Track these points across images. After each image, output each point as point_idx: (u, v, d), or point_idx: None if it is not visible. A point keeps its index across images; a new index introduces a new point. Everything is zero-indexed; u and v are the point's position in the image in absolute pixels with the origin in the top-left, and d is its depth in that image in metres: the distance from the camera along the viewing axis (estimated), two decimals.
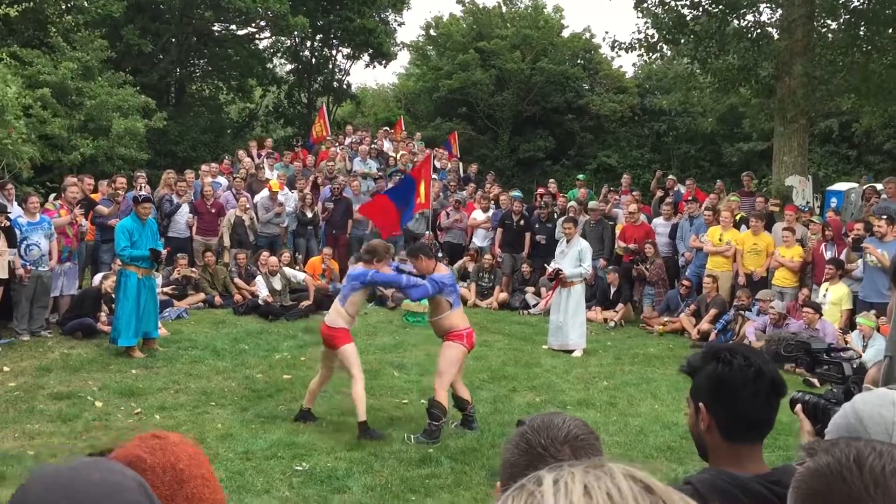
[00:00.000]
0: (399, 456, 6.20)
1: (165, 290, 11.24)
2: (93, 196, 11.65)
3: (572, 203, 13.85)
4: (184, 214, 12.57)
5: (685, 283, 12.14)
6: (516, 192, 14.93)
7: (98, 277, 10.75)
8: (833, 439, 1.29)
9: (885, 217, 9.76)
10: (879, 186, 13.00)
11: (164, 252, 9.43)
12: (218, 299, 11.89)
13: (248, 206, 13.09)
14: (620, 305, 12.48)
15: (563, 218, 11.84)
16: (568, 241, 10.54)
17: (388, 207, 10.74)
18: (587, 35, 29.95)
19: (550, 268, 10.67)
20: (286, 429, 6.83)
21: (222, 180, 14.32)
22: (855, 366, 2.57)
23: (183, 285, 11.73)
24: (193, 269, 12.01)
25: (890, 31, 13.43)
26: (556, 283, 10.52)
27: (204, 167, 14.32)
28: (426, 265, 6.93)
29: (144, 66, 20.10)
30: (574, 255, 10.33)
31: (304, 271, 12.74)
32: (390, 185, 14.76)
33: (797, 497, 1.25)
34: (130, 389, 7.76)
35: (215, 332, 10.42)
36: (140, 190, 11.95)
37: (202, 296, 11.85)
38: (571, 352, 10.20)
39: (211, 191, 13.05)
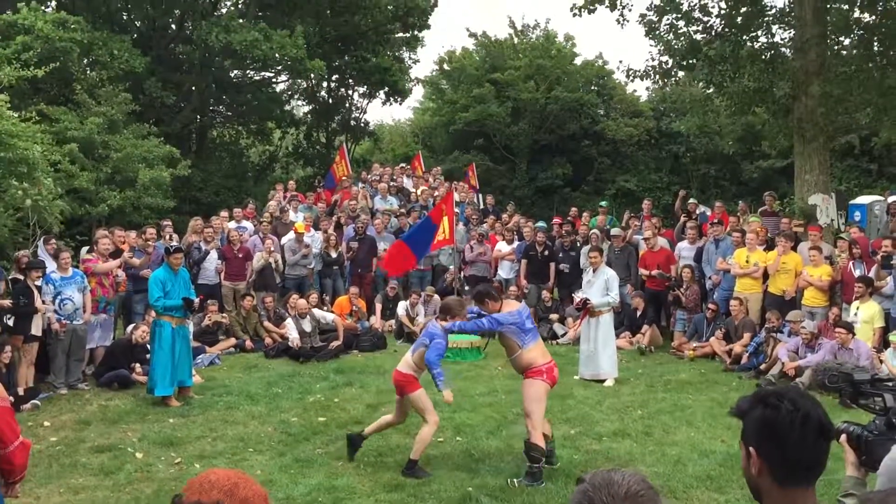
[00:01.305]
0: (438, 496, 6.21)
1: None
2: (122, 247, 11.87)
3: (594, 230, 13.90)
4: (213, 261, 12.75)
5: (711, 306, 12.11)
6: (541, 224, 15.02)
7: (130, 328, 10.94)
8: (884, 494, 1.33)
9: None
10: None
11: (196, 300, 9.57)
12: (249, 343, 12.01)
13: (273, 248, 13.25)
14: (646, 327, 12.46)
15: (588, 247, 11.89)
16: (594, 271, 10.56)
17: (404, 251, 11.00)
18: (600, 62, 30.16)
19: (578, 297, 10.69)
20: (325, 472, 6.86)
21: (248, 224, 14.52)
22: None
23: (214, 331, 11.87)
24: (224, 314, 12.15)
25: None
26: (584, 312, 10.53)
27: (224, 213, 14.52)
28: (492, 308, 6.92)
29: (167, 116, 20.54)
30: (601, 285, 10.34)
31: (333, 311, 12.84)
32: (409, 221, 14.95)
33: None
34: (169, 439, 7.84)
35: (248, 376, 10.52)
36: (170, 240, 12.14)
37: (233, 341, 11.98)
38: (603, 381, 10.18)
39: (237, 235, 13.22)
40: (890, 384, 2.62)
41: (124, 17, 21.62)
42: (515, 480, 6.52)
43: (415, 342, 7.28)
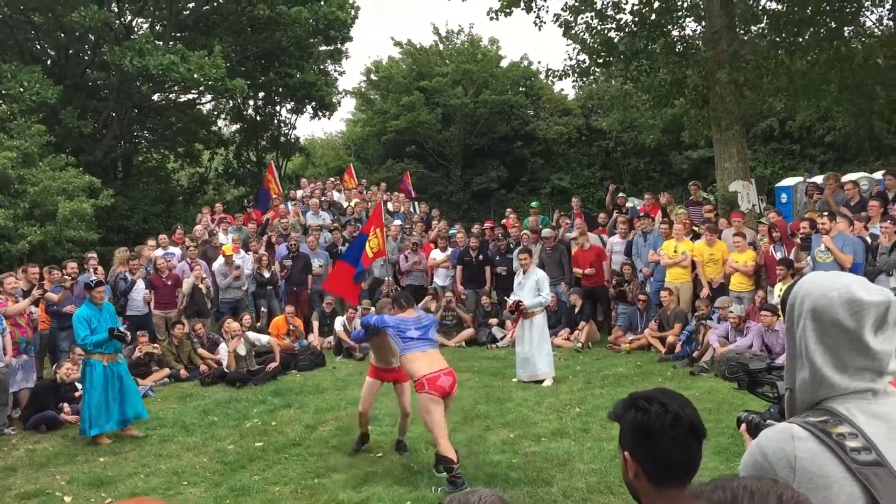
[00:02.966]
0: None
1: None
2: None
3: (525, 232, 14.00)
4: (140, 291, 12.44)
5: (641, 297, 12.32)
6: (454, 230, 15.29)
7: (65, 366, 10.53)
8: (715, 480, 1.35)
9: (826, 213, 10.00)
10: (821, 180, 13.35)
11: (124, 329, 9.26)
12: (183, 372, 11.74)
13: (203, 274, 13.00)
14: (583, 324, 12.59)
15: (517, 249, 11.97)
16: (524, 272, 10.61)
17: (347, 271, 10.90)
18: (525, 63, 30.51)
19: (510, 300, 10.74)
20: (261, 499, 6.72)
21: (175, 250, 14.23)
22: None
23: (146, 363, 11.57)
24: (155, 345, 11.87)
25: (810, 30, 13.88)
26: (518, 315, 10.58)
27: (150, 241, 14.21)
28: (392, 313, 7.20)
29: (87, 145, 20.02)
30: (532, 286, 10.40)
31: (269, 333, 12.66)
32: (345, 234, 14.85)
33: None
34: (99, 479, 7.59)
35: (183, 406, 10.27)
36: (94, 273, 11.80)
37: (167, 371, 11.70)
38: (542, 381, 10.23)
39: (164, 263, 12.94)
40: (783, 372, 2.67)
41: (35, 47, 21.02)
42: (439, 489, 6.52)
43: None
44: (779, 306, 9.93)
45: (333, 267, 12.52)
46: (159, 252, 13.57)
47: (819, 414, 1.73)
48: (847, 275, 1.87)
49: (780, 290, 10.34)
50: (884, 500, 1.58)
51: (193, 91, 23.01)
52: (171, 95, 23.55)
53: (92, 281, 9.24)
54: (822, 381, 1.75)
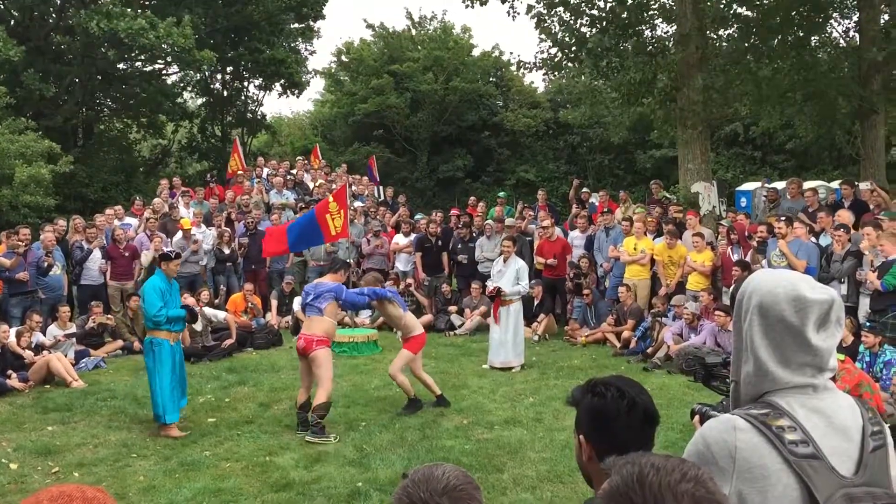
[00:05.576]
0: (327, 493, 6.15)
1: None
2: None
3: (488, 222, 14.05)
4: (96, 260, 12.25)
5: (586, 292, 12.48)
6: (419, 215, 15.35)
7: (12, 332, 10.30)
8: (628, 456, 1.39)
9: (783, 218, 10.20)
10: (782, 186, 13.61)
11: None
12: (137, 345, 11.57)
13: (162, 247, 12.82)
14: (542, 316, 12.70)
15: (502, 237, 12.02)
16: (505, 261, 10.66)
17: (280, 236, 11.06)
18: (496, 53, 30.51)
19: (490, 286, 10.78)
20: (212, 475, 6.69)
21: (133, 221, 14.01)
22: None
23: (99, 333, 11.41)
24: (109, 316, 11.69)
25: (778, 37, 14.11)
26: (497, 301, 10.63)
27: (109, 210, 13.96)
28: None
29: (48, 110, 19.56)
30: (512, 274, 10.47)
31: (226, 309, 12.55)
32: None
33: None
34: (47, 448, 7.49)
35: (136, 379, 10.13)
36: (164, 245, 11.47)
37: (120, 343, 11.55)
38: (511, 368, 10.34)
39: (122, 234, 12.74)
40: None
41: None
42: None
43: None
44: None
45: (274, 229, 12.53)
46: (116, 223, 13.35)
47: (761, 407, 1.78)
48: (794, 273, 1.92)
49: None
50: (819, 491, 1.64)
51: (160, 61, 22.60)
52: (136, 64, 23.10)
53: (171, 252, 8.51)
54: (765, 375, 1.80)
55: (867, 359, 8.04)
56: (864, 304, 9.11)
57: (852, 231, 9.81)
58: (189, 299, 11.05)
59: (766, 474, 1.67)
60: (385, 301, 8.30)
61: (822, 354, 1.80)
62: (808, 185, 13.35)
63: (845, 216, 10.25)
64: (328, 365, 7.73)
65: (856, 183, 12.11)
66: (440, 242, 14.08)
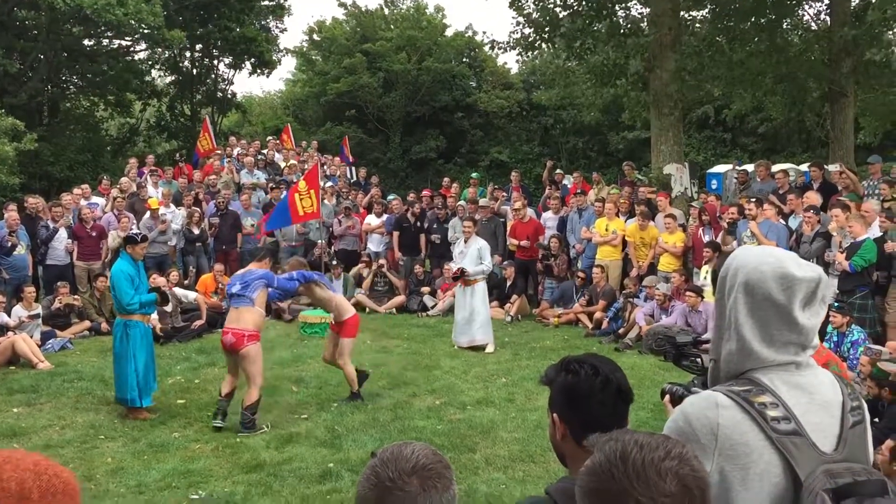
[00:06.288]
0: (298, 473, 6.12)
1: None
2: None
3: (461, 203, 14.00)
4: (62, 240, 12.01)
5: (580, 274, 12.41)
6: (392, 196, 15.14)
7: None
8: (611, 433, 1.38)
9: (753, 200, 10.28)
10: (752, 168, 13.71)
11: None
12: (105, 325, 11.41)
13: (130, 227, 12.62)
14: (515, 297, 12.71)
15: (464, 217, 11.97)
16: (465, 241, 10.65)
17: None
18: (469, 33, 30.36)
19: (453, 267, 10.76)
20: (181, 456, 6.63)
21: (100, 200, 13.76)
22: None
23: (66, 314, 11.22)
24: (76, 296, 11.50)
25: (751, 19, 14.15)
26: (457, 282, 10.63)
27: (76, 190, 13.71)
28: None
29: (12, 87, 19.13)
30: (474, 254, 10.47)
31: (196, 290, 12.40)
32: (280, 195, 14.62)
33: (580, 495, 1.34)
34: (13, 430, 7.37)
35: (103, 360, 9.96)
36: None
37: (87, 324, 11.37)
38: (484, 348, 10.34)
39: (89, 213, 12.51)
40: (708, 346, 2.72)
41: None
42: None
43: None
44: (703, 287, 10.22)
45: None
46: (82, 202, 13.11)
47: (743, 383, 1.76)
48: (779, 250, 1.90)
49: (706, 271, 10.62)
50: (800, 468, 1.63)
51: (128, 38, 22.15)
52: (103, 41, 22.63)
53: (137, 235, 8.27)
54: (749, 354, 1.78)
55: (835, 339, 8.15)
56: (833, 285, 9.22)
57: (821, 213, 9.91)
58: (159, 279, 10.98)
59: (748, 451, 1.66)
60: (313, 284, 7.96)
61: (806, 333, 1.78)
62: (777, 167, 13.46)
63: (814, 198, 10.35)
64: (260, 361, 7.37)
65: (825, 165, 12.22)
66: (419, 223, 14.01)
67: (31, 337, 9.99)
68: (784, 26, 14.65)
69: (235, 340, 7.21)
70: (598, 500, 1.32)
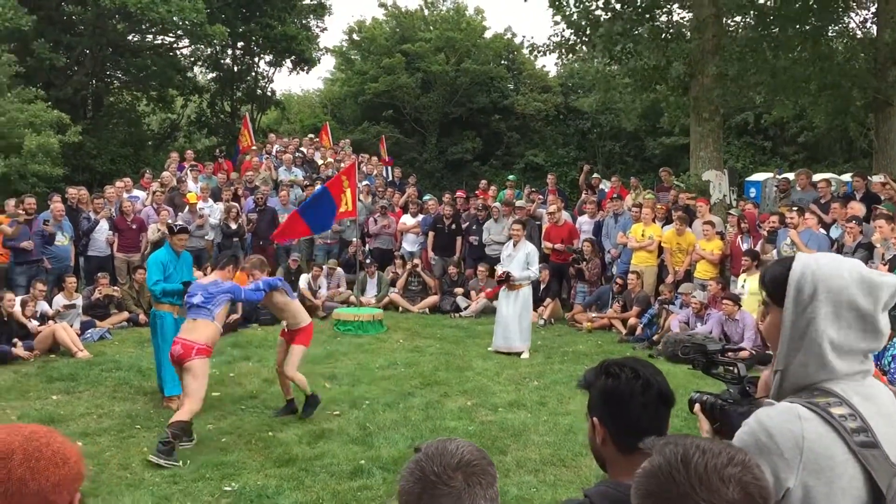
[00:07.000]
0: (330, 469, 6.15)
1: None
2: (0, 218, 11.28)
3: (495, 205, 13.99)
4: (103, 232, 12.25)
5: (619, 280, 12.28)
6: (428, 196, 15.08)
7: (17, 301, 10.32)
8: (668, 436, 1.37)
9: (796, 209, 10.13)
10: (792, 177, 13.51)
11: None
12: (143, 317, 11.60)
13: (169, 220, 12.80)
14: (548, 300, 12.66)
15: (512, 221, 11.92)
16: (514, 245, 10.56)
17: (297, 222, 10.89)
18: (509, 35, 30.30)
19: (500, 270, 10.69)
20: (215, 448, 6.71)
21: (139, 193, 13.99)
22: None
23: (105, 305, 11.42)
24: (116, 287, 11.71)
25: (795, 27, 13.94)
26: (502, 285, 10.53)
27: (119, 183, 13.96)
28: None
29: (58, 80, 19.52)
30: (521, 259, 10.33)
31: None
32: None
33: (636, 497, 1.33)
34: (51, 416, 7.52)
35: (140, 351, 10.16)
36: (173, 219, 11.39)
37: (126, 315, 11.56)
38: (519, 354, 10.24)
39: (130, 206, 12.73)
40: (740, 354, 2.69)
41: None
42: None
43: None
44: (741, 296, 10.07)
45: (289, 217, 12.26)
46: (124, 195, 13.35)
47: (820, 395, 1.70)
48: (845, 258, 1.83)
49: (744, 280, 10.49)
50: (880, 481, 1.58)
51: (171, 34, 22.49)
52: (147, 37, 23.00)
53: (176, 225, 8.57)
54: (824, 364, 1.72)
55: (875, 353, 8.00)
56: None
57: (864, 224, 9.74)
58: (196, 273, 11.12)
59: (832, 465, 1.60)
60: (274, 290, 7.51)
61: (881, 339, 1.74)
62: (818, 176, 13.25)
63: (857, 208, 10.17)
64: (204, 379, 6.77)
65: (868, 176, 12.01)
66: (454, 225, 14.02)
67: (71, 326, 10.19)
68: (829, 34, 14.41)
69: (183, 352, 6.71)
70: (658, 502, 1.31)
